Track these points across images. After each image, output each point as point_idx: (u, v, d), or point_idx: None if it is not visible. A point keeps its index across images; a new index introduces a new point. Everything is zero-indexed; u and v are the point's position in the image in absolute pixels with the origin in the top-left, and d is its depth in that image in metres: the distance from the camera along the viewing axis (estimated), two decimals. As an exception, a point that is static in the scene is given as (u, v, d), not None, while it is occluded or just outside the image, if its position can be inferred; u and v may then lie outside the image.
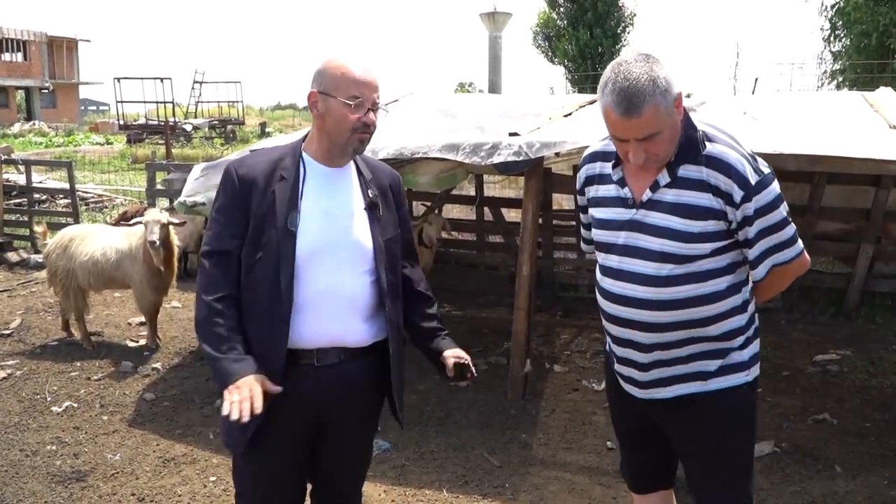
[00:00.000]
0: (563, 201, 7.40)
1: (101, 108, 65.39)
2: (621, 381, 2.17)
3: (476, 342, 5.88)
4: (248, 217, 2.05)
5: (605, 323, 2.14)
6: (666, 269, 1.93)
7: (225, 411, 1.88)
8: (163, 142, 26.34)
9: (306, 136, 2.18)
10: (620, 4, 24.11)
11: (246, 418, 1.85)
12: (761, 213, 1.89)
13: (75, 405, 4.66)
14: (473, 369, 2.16)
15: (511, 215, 7.27)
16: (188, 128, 31.26)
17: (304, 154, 2.13)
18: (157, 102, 33.65)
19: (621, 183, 2.03)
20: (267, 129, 34.18)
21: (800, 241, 2.00)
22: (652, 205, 1.95)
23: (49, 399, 4.76)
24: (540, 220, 5.28)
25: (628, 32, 24.28)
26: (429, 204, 7.30)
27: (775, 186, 1.92)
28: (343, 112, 2.03)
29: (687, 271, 1.93)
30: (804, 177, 6.07)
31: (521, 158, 3.87)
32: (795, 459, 3.91)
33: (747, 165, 1.88)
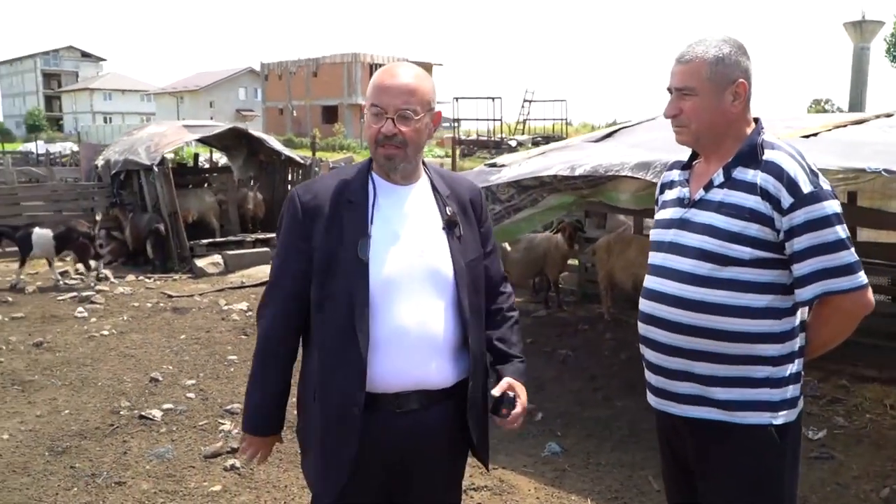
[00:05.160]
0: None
1: (454, 124, 72.38)
2: (654, 398, 2.10)
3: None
4: (312, 249, 1.89)
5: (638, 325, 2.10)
6: (705, 268, 1.90)
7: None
8: (489, 156, 28.72)
9: None
10: None
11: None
12: (811, 226, 1.81)
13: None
14: (514, 409, 1.91)
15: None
16: (513, 143, 33.36)
17: (373, 173, 1.95)
18: (487, 120, 36.52)
19: (684, 183, 2.07)
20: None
21: (863, 275, 1.84)
22: (703, 204, 1.96)
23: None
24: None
25: None
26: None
27: (833, 205, 1.84)
28: (368, 122, 1.88)
29: (725, 276, 1.88)
30: None
31: (709, 179, 3.74)
32: None
33: (801, 174, 1.83)
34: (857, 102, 16.83)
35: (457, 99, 37.69)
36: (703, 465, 2.01)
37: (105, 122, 66.43)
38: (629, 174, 4.08)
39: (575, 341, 6.49)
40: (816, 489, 3.74)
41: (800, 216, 1.81)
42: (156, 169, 9.82)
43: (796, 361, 1.94)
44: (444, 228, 1.93)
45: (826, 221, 1.81)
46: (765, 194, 1.85)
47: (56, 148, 31.06)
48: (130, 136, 11.67)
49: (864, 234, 6.02)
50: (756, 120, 1.98)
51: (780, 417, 1.91)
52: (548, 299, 7.78)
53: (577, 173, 4.31)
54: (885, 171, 3.34)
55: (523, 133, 39.28)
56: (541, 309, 7.63)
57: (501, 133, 36.52)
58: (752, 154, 1.91)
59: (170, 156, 12.59)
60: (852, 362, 5.66)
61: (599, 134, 6.23)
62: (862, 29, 17.23)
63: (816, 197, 1.81)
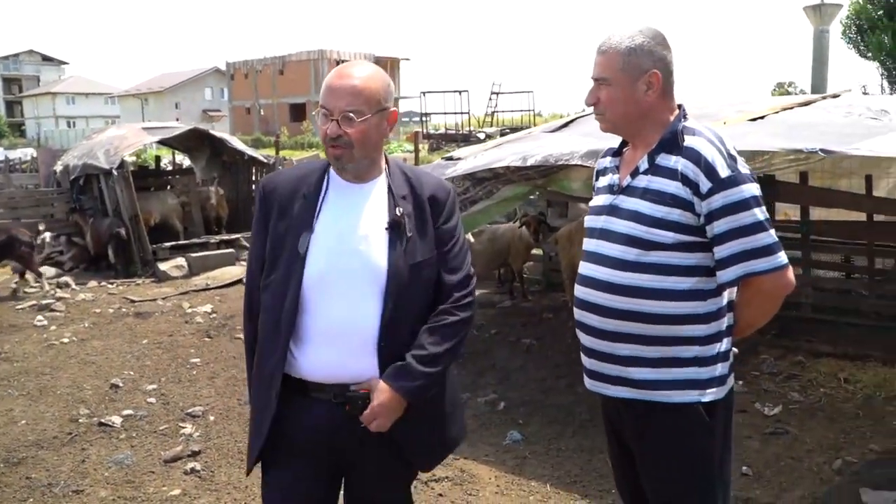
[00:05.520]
0: (788, 211, 6.76)
1: (424, 119, 72.05)
2: (588, 380, 2.15)
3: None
4: (267, 237, 1.98)
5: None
6: (632, 253, 1.95)
7: None
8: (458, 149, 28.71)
9: None
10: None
11: None
12: (730, 210, 1.86)
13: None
14: (362, 406, 1.88)
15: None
16: (481, 136, 33.29)
17: (331, 170, 1.99)
18: (455, 113, 36.51)
19: (614, 171, 2.11)
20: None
21: (783, 255, 1.89)
22: (630, 191, 2.01)
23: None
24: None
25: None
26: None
27: (751, 188, 1.88)
28: (319, 123, 1.92)
29: (650, 261, 1.93)
30: None
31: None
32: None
33: (719, 159, 1.88)
34: (819, 84, 17.13)
35: (424, 93, 37.68)
36: (639, 445, 2.06)
37: (69, 126, 65.14)
38: (579, 162, 4.11)
39: (539, 330, 6.54)
40: (771, 464, 3.82)
41: (718, 200, 1.86)
42: (115, 172, 9.67)
43: (724, 340, 1.98)
44: (387, 228, 1.92)
45: (744, 205, 1.86)
46: (685, 179, 1.90)
47: (16, 154, 30.39)
48: (90, 140, 11.48)
49: (816, 213, 6.13)
50: (680, 106, 2.02)
51: (709, 395, 1.95)
52: (512, 290, 7.82)
53: (528, 164, 4.33)
54: (822, 150, 3.41)
55: (492, 125, 39.28)
56: (506, 299, 7.67)
57: (470, 126, 36.56)
58: (673, 141, 1.96)
59: (130, 159, 12.42)
60: (808, 338, 5.78)
61: (557, 124, 6.27)
62: (821, 12, 17.61)
63: (734, 181, 1.86)
